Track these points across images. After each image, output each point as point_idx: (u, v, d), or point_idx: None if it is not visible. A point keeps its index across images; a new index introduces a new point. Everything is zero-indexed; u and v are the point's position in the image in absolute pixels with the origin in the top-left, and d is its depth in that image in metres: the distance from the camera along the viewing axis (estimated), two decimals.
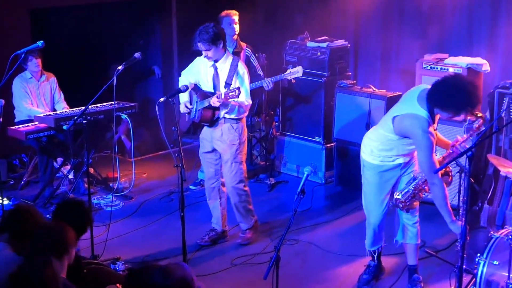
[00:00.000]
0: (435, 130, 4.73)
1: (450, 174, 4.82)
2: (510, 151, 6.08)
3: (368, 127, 6.70)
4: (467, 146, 4.52)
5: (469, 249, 4.76)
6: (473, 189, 6.09)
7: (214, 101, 5.55)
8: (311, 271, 5.59)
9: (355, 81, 7.68)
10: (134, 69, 8.00)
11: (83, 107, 5.84)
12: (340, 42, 7.57)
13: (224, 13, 7.03)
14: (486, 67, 6.50)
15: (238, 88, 5.50)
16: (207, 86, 5.79)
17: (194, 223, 6.22)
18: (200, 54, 5.75)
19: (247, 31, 7.65)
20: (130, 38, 9.01)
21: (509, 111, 5.94)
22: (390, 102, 6.62)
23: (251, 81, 6.09)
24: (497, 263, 4.46)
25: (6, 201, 6.48)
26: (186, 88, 5.53)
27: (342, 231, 6.33)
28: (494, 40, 7.22)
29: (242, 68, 5.74)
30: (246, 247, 5.96)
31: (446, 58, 6.66)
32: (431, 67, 6.59)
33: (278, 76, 6.81)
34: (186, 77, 5.88)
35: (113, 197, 6.76)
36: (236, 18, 7.04)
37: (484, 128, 4.76)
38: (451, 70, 6.39)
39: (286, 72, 6.83)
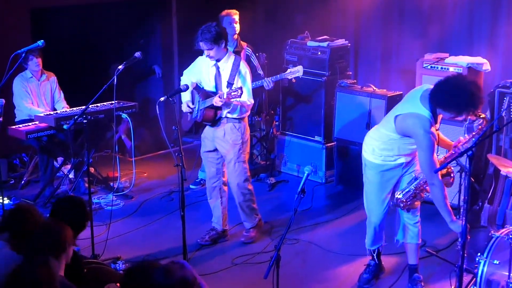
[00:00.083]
0: (437, 130, 4.72)
1: (451, 175, 4.81)
2: (511, 151, 6.07)
3: (368, 126, 6.70)
4: None
5: (469, 248, 4.77)
6: (474, 188, 6.09)
7: (216, 101, 5.53)
8: (312, 270, 5.59)
9: (355, 81, 7.67)
10: (135, 68, 7.99)
11: (84, 107, 5.83)
12: (341, 42, 7.57)
13: (224, 12, 7.03)
14: (486, 66, 6.50)
15: (241, 88, 5.48)
16: (209, 86, 5.78)
17: (195, 223, 6.22)
18: (202, 54, 5.74)
19: (247, 31, 7.65)
20: (130, 37, 9.01)
21: (509, 111, 5.94)
22: (391, 102, 6.63)
23: (251, 81, 6.08)
24: (497, 263, 4.45)
25: (6, 201, 6.49)
26: (186, 87, 5.51)
27: (343, 230, 6.33)
28: (494, 39, 7.21)
29: (244, 68, 5.73)
30: (247, 247, 5.96)
31: (447, 57, 6.67)
32: (431, 67, 6.59)
33: (278, 75, 6.80)
34: (188, 77, 5.87)
35: (114, 196, 6.75)
36: (236, 17, 7.04)
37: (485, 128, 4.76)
38: (451, 69, 6.40)
39: (287, 72, 6.83)
